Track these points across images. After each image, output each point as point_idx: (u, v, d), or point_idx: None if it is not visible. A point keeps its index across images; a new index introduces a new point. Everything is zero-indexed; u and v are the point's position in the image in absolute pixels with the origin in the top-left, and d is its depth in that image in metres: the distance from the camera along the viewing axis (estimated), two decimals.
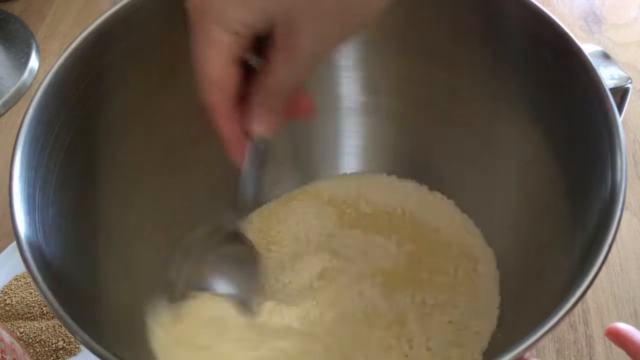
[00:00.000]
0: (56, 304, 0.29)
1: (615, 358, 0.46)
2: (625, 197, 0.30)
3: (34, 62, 0.67)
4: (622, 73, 0.38)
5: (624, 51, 0.65)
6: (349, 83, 0.48)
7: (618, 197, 0.30)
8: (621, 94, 0.38)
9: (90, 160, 0.38)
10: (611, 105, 0.32)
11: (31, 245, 0.31)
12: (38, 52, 0.68)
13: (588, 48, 0.36)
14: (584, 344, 0.47)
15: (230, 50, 0.28)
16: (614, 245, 0.29)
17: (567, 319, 0.47)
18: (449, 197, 0.48)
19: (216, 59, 0.28)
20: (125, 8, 0.38)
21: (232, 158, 0.32)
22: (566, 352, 0.47)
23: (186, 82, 0.43)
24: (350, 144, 0.50)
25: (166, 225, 0.45)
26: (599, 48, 0.39)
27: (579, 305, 0.35)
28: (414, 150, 0.49)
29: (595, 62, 0.34)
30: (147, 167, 0.43)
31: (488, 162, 0.45)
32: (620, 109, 0.39)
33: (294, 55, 0.28)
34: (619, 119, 0.32)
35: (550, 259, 0.37)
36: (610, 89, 0.33)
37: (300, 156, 0.50)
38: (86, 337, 0.28)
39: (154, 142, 0.43)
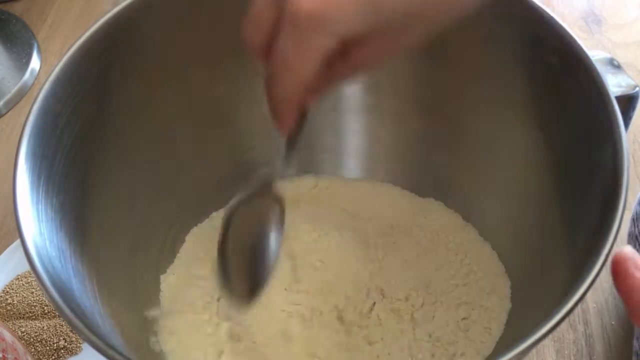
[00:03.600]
0: (60, 302, 0.29)
1: (615, 358, 0.46)
2: (626, 198, 0.30)
3: (35, 63, 0.67)
4: (630, 81, 0.38)
5: (624, 51, 0.65)
6: (350, 83, 0.48)
7: (619, 199, 0.30)
8: (628, 101, 0.38)
9: (93, 157, 0.38)
10: (614, 110, 0.32)
11: (35, 241, 0.31)
12: (39, 52, 0.68)
13: (596, 54, 0.36)
14: (583, 343, 0.47)
15: (326, 53, 0.27)
16: (615, 246, 0.29)
17: (567, 319, 0.47)
18: (449, 199, 0.48)
19: (312, 63, 0.27)
20: (126, 8, 0.38)
21: (281, 125, 0.32)
22: (566, 352, 0.47)
23: (187, 81, 0.44)
24: (351, 144, 0.50)
25: (170, 220, 0.46)
26: (607, 55, 0.39)
27: (579, 305, 0.35)
28: (415, 152, 0.49)
29: (603, 69, 0.34)
30: (147, 166, 0.43)
31: (490, 165, 0.45)
32: (629, 117, 0.38)
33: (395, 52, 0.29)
34: (622, 124, 0.32)
35: (551, 259, 0.37)
36: (617, 97, 0.33)
37: (300, 156, 0.51)
38: (93, 337, 0.28)
39: (155, 141, 0.44)
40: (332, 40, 0.27)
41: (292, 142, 0.33)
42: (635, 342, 0.44)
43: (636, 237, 0.44)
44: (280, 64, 0.28)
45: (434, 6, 0.28)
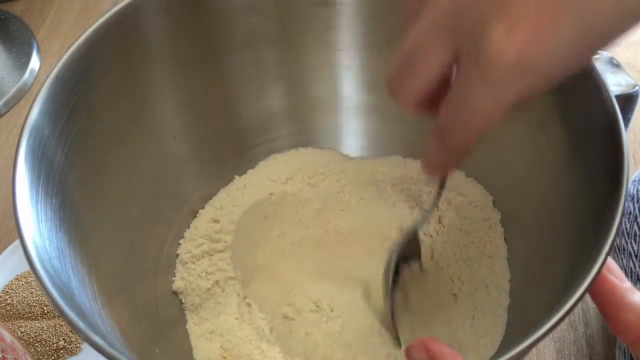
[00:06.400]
0: (60, 302, 0.29)
1: (615, 358, 0.46)
2: (626, 198, 0.30)
3: (34, 63, 0.67)
4: (629, 80, 0.38)
5: (624, 51, 0.65)
6: (350, 83, 0.48)
7: (619, 198, 0.30)
8: (627, 100, 0.38)
9: (92, 157, 0.38)
10: (614, 109, 0.32)
11: (34, 241, 0.31)
12: (39, 52, 0.68)
13: None
14: (584, 343, 0.47)
15: (520, 99, 0.23)
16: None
17: (567, 319, 0.47)
18: None
19: (501, 112, 0.24)
20: (125, 8, 0.38)
21: (440, 175, 0.29)
22: (566, 352, 0.47)
23: (187, 81, 0.44)
24: (351, 143, 0.50)
25: (170, 220, 0.46)
26: (607, 54, 0.38)
27: (579, 305, 0.35)
28: (415, 153, 0.49)
29: (603, 68, 0.34)
30: (147, 166, 0.43)
31: (488, 164, 0.45)
32: (629, 116, 0.38)
33: None
34: (622, 123, 0.32)
35: (551, 259, 0.37)
36: (617, 96, 0.33)
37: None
38: (93, 337, 0.28)
39: (155, 141, 0.44)
40: (531, 86, 0.22)
41: (442, 186, 0.33)
42: (617, 352, 0.44)
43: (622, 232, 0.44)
44: (458, 112, 0.24)
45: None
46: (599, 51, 0.23)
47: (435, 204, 0.36)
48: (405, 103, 0.25)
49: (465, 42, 0.22)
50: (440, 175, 0.29)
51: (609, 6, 0.20)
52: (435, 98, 0.24)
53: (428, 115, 0.26)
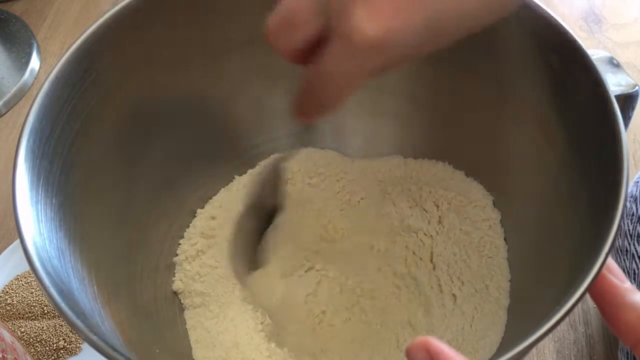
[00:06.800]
0: (60, 302, 0.29)
1: (615, 358, 0.46)
2: (626, 198, 0.30)
3: (34, 63, 0.67)
4: (630, 80, 0.38)
5: (624, 51, 0.65)
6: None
7: (619, 198, 0.30)
8: (627, 100, 0.38)
9: (92, 157, 0.38)
10: (614, 109, 0.32)
11: (34, 241, 0.31)
12: (39, 52, 0.68)
13: (596, 53, 0.36)
14: (584, 343, 0.47)
15: (377, 70, 0.27)
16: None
17: (567, 319, 0.47)
18: None
19: (362, 79, 0.28)
20: (125, 8, 0.38)
21: (307, 121, 0.32)
22: (566, 352, 0.47)
23: (187, 80, 0.44)
24: (351, 144, 0.50)
25: (170, 219, 0.46)
26: (607, 54, 0.39)
27: (579, 305, 0.35)
28: (416, 153, 0.49)
29: (603, 69, 0.34)
30: (147, 166, 0.43)
31: (489, 164, 0.45)
32: (629, 116, 0.38)
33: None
34: (622, 123, 0.32)
35: (551, 259, 0.37)
36: (617, 96, 0.33)
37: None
38: (93, 337, 0.28)
39: (155, 141, 0.44)
40: (387, 61, 0.26)
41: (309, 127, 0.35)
42: (619, 353, 0.44)
43: (625, 234, 0.44)
44: (327, 76, 0.28)
45: (479, 20, 0.27)
46: (454, 36, 0.27)
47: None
48: (283, 53, 0.29)
49: (334, 18, 0.26)
50: (305, 121, 0.32)
51: (455, 4, 0.26)
52: (311, 50, 0.28)
53: (303, 65, 0.29)
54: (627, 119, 0.38)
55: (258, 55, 0.45)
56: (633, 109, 0.39)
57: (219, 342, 0.42)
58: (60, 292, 0.29)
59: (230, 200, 0.47)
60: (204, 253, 0.45)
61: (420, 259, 0.45)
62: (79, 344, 0.48)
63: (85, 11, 0.72)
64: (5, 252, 0.52)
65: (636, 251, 0.42)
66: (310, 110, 0.30)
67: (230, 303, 0.43)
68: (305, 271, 0.45)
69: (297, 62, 0.29)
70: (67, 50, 0.36)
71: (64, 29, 0.71)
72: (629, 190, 0.46)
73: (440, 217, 0.46)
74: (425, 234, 0.46)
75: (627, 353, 0.42)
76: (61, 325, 0.48)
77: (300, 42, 0.28)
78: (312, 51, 0.28)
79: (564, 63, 0.36)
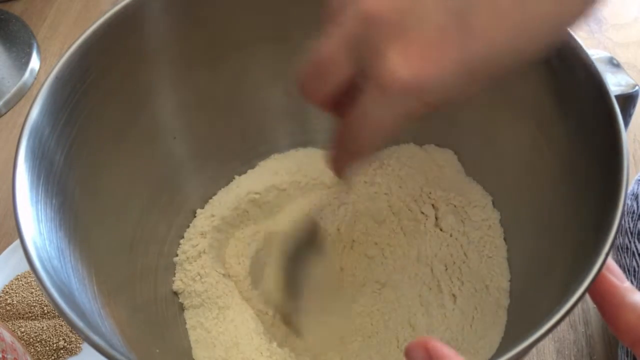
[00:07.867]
0: (60, 302, 0.29)
1: (616, 358, 0.46)
2: (626, 198, 0.30)
3: (34, 63, 0.67)
4: (629, 80, 0.38)
5: (624, 51, 0.65)
6: None
7: (619, 198, 0.30)
8: (627, 100, 0.38)
9: (92, 157, 0.38)
10: (614, 109, 0.32)
11: (34, 241, 0.31)
12: (39, 52, 0.68)
13: (596, 53, 0.36)
14: (584, 343, 0.47)
15: (413, 115, 0.27)
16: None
17: (567, 319, 0.47)
18: None
19: (396, 125, 0.27)
20: (125, 8, 0.38)
21: (342, 174, 0.32)
22: (566, 352, 0.47)
23: (187, 80, 0.44)
24: None
25: (170, 220, 0.46)
26: (607, 54, 0.39)
27: (579, 305, 0.35)
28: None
29: (603, 69, 0.34)
30: (147, 166, 0.43)
31: (487, 164, 0.45)
32: (629, 116, 0.38)
33: None
34: (622, 123, 0.32)
35: (551, 259, 0.37)
36: (617, 96, 0.33)
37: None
38: (93, 337, 0.28)
39: (155, 141, 0.44)
40: (425, 106, 0.26)
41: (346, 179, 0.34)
42: (619, 351, 0.44)
43: (626, 231, 0.44)
44: (362, 121, 0.27)
45: (517, 58, 0.26)
46: (489, 81, 0.26)
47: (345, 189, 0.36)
48: (315, 103, 0.29)
49: (368, 63, 0.25)
50: (341, 173, 0.32)
51: (485, 48, 0.24)
52: (343, 101, 0.28)
53: (335, 115, 0.29)
54: (627, 118, 0.38)
55: (258, 56, 0.45)
56: (633, 108, 0.39)
57: (219, 342, 0.42)
58: (60, 292, 0.29)
59: (230, 200, 0.47)
60: (205, 253, 0.45)
61: (421, 259, 0.45)
62: (79, 344, 0.48)
63: (85, 11, 0.72)
64: (5, 252, 0.52)
65: (636, 249, 0.42)
66: (345, 159, 0.30)
67: (231, 303, 0.43)
68: None
69: (329, 110, 0.29)
70: (67, 50, 0.36)
71: (64, 29, 0.71)
72: (630, 188, 0.46)
73: (439, 217, 0.46)
74: (425, 234, 0.46)
75: (627, 351, 0.42)
76: (61, 325, 0.48)
77: (333, 90, 0.27)
78: (344, 99, 0.27)
79: (564, 63, 0.36)
